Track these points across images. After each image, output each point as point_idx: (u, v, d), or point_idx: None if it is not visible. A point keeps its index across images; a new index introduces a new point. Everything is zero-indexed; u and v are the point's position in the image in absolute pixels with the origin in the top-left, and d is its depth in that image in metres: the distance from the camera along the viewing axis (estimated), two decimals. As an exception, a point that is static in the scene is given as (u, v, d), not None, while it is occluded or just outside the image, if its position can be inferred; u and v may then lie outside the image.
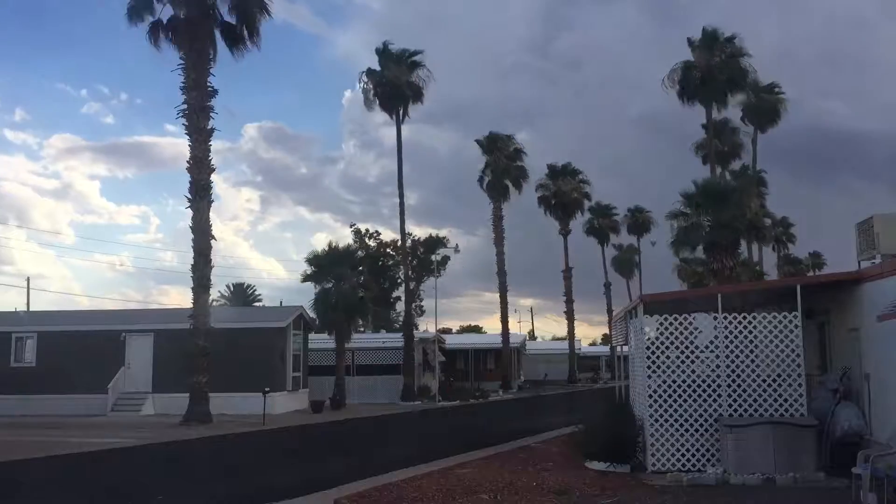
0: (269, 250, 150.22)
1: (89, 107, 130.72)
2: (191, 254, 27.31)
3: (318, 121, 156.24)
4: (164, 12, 28.06)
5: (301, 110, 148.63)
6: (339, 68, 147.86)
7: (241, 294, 62.43)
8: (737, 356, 13.63)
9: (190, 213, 27.54)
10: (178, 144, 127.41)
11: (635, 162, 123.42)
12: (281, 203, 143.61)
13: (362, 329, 46.07)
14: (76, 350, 30.55)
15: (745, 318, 13.79)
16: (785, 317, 13.60)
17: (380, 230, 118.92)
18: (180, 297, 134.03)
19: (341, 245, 38.31)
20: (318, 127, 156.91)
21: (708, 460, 13.45)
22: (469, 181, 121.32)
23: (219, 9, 28.39)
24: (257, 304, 61.05)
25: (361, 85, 43.11)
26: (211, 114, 27.83)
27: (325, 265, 35.84)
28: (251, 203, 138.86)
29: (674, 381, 13.75)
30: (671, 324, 13.92)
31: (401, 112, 43.22)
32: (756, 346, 13.60)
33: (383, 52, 43.13)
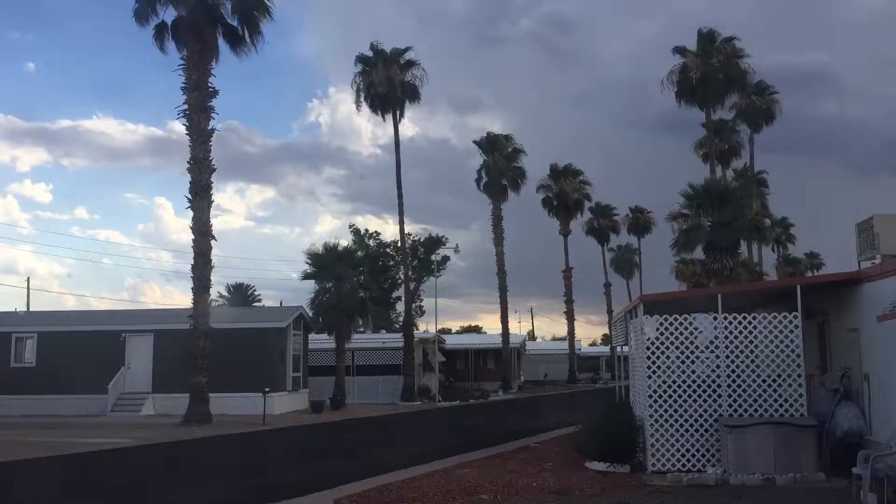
0: (247, 247, 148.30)
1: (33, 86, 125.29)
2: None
3: (290, 111, 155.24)
4: (168, 14, 28.29)
5: (272, 102, 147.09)
6: (302, 56, 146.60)
7: (241, 294, 62.34)
8: (737, 356, 13.64)
9: (190, 213, 27.63)
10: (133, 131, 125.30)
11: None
12: (259, 196, 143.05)
13: (362, 329, 46.05)
14: (76, 350, 30.55)
15: (745, 318, 13.80)
16: (785, 317, 13.61)
17: (367, 223, 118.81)
18: (161, 295, 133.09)
19: (341, 245, 38.32)
20: (290, 118, 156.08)
21: (708, 460, 13.46)
22: (457, 173, 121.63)
23: (221, 10, 28.47)
24: (257, 304, 60.98)
25: (354, 87, 43.09)
26: (212, 114, 27.94)
27: (324, 265, 35.82)
28: (224, 197, 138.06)
29: (674, 382, 13.76)
30: (671, 324, 13.92)
31: (397, 113, 43.16)
32: (756, 346, 13.61)
33: (374, 52, 42.85)
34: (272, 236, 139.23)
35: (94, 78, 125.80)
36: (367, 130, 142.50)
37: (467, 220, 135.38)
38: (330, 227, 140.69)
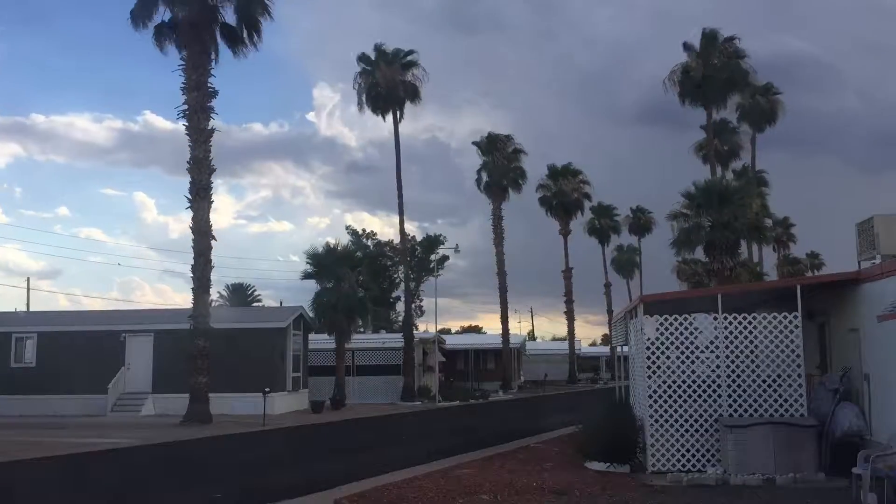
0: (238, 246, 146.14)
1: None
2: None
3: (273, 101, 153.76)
4: (166, 14, 28.19)
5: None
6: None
7: (241, 294, 62.39)
8: (737, 356, 13.64)
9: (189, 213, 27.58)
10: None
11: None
12: (247, 193, 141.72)
13: (362, 329, 46.10)
14: (76, 350, 30.56)
15: (745, 318, 13.79)
16: (785, 317, 13.61)
17: (356, 218, 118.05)
18: (150, 292, 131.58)
19: (340, 245, 38.32)
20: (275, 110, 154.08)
21: (708, 460, 13.45)
22: (447, 169, 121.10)
23: (220, 10, 28.46)
24: (257, 304, 61.03)
25: (355, 87, 43.17)
26: (212, 114, 27.91)
27: (324, 265, 35.84)
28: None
29: (674, 382, 13.75)
30: (671, 324, 13.92)
31: (397, 113, 43.17)
32: (756, 347, 13.61)
33: (377, 53, 42.96)
34: (260, 233, 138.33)
35: (65, 71, 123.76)
36: (358, 127, 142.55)
37: (463, 218, 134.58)
38: (319, 223, 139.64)
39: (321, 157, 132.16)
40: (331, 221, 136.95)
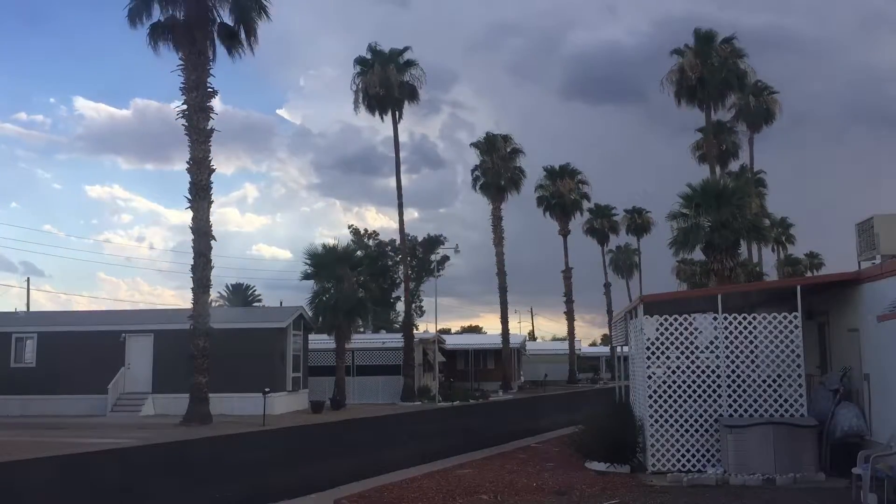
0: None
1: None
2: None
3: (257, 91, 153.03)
4: (163, 15, 27.94)
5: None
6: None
7: (241, 294, 62.42)
8: (737, 356, 13.64)
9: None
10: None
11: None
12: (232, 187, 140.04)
13: (362, 329, 46.10)
14: (76, 350, 30.56)
15: (745, 318, 13.79)
16: (785, 317, 13.61)
17: (345, 213, 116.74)
18: (127, 289, 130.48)
19: (340, 245, 38.33)
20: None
21: (708, 461, 13.45)
22: (432, 163, 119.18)
23: (217, 10, 28.40)
24: (257, 304, 61.04)
25: (353, 87, 43.07)
26: (211, 114, 27.85)
27: (324, 265, 35.81)
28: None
29: (674, 382, 13.76)
30: (671, 324, 13.92)
31: (396, 114, 43.05)
32: (756, 347, 13.61)
33: (372, 54, 42.79)
34: (235, 227, 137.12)
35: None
36: (342, 119, 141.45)
37: (453, 213, 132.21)
38: (308, 218, 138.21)
39: (295, 149, 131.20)
40: (308, 216, 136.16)
